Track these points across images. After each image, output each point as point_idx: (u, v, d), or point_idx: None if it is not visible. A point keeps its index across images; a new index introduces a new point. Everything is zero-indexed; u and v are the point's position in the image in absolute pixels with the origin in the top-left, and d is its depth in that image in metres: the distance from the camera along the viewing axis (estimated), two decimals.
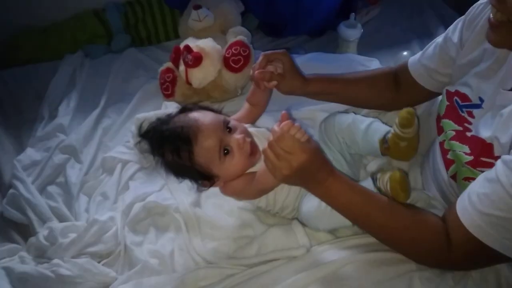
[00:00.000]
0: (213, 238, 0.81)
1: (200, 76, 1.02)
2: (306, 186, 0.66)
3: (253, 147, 0.74)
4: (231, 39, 1.04)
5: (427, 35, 1.32)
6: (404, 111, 0.68)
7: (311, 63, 1.09)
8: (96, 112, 1.12)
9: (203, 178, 0.74)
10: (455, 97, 0.70)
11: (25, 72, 1.30)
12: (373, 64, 1.06)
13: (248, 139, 0.73)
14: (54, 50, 1.34)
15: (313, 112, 1.03)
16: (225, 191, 0.77)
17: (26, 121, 1.17)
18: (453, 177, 0.70)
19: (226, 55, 1.02)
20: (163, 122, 0.76)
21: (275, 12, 1.31)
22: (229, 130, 0.73)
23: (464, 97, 0.69)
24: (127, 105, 1.14)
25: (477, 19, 0.69)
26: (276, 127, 0.61)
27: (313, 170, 0.62)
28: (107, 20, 1.36)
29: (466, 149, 0.65)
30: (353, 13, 1.23)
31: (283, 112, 0.63)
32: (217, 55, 1.01)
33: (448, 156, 0.71)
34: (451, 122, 0.70)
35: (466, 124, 0.67)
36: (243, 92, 1.15)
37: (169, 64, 1.09)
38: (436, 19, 1.39)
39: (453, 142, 0.68)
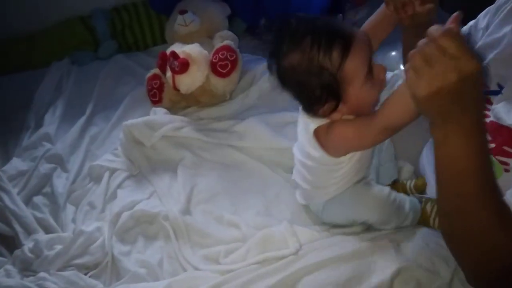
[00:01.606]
0: (203, 245, 0.80)
1: (188, 82, 1.01)
2: (446, 117, 0.47)
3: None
4: (218, 44, 1.04)
5: None
6: (420, 180, 0.82)
7: None
8: (82, 120, 1.11)
9: (331, 95, 0.62)
10: None
11: (12, 80, 1.29)
12: None
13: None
14: (41, 57, 1.32)
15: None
16: (339, 131, 0.65)
17: (12, 130, 1.15)
18: None
19: (213, 60, 1.01)
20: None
21: (262, 15, 1.30)
22: None
23: None
24: (114, 112, 1.12)
25: (505, 5, 0.66)
26: (434, 27, 0.46)
27: (473, 94, 0.46)
28: (93, 26, 1.35)
29: (488, 137, 0.59)
30: (341, 15, 1.23)
31: (455, 13, 0.49)
32: (204, 61, 1.01)
33: None
34: None
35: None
36: (233, 96, 1.14)
37: (155, 71, 1.08)
38: None
39: None
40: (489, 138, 0.58)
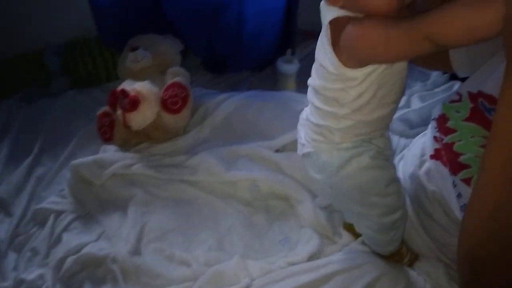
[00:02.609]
0: (152, 286, 0.79)
1: (138, 119, 1.01)
2: None
3: None
4: (169, 81, 1.05)
5: None
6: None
7: (249, 100, 1.12)
8: (28, 160, 1.08)
9: None
10: (481, 99, 0.65)
11: None
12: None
13: None
14: None
15: (254, 149, 1.05)
16: (361, 25, 0.50)
17: None
18: (465, 180, 0.65)
19: (164, 97, 1.02)
20: None
21: (215, 51, 1.34)
22: None
23: (492, 99, 0.62)
24: (63, 151, 1.10)
25: None
26: None
27: None
28: (45, 62, 1.33)
29: None
30: (289, 49, 1.27)
31: None
32: (154, 98, 1.01)
33: (461, 160, 0.66)
34: (480, 127, 0.64)
35: None
36: (186, 130, 1.15)
37: (106, 108, 1.07)
38: None
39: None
40: None
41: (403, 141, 1.02)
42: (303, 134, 0.67)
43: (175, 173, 1.01)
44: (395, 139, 1.02)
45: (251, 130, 1.10)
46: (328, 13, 0.54)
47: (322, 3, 0.55)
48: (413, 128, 1.10)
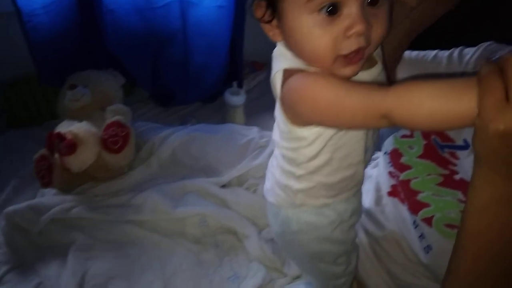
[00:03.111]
0: None
1: (77, 162, 0.98)
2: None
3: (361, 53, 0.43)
4: (109, 119, 1.03)
5: None
6: None
7: (194, 135, 1.12)
8: None
9: None
10: (433, 136, 0.65)
11: None
12: (252, 132, 1.11)
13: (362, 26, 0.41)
14: None
15: (201, 185, 1.04)
16: (313, 79, 0.44)
17: None
18: (426, 220, 0.64)
19: (104, 137, 1.00)
20: None
21: (162, 83, 1.33)
22: (371, 1, 0.43)
23: (444, 136, 0.62)
24: None
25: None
26: None
27: None
28: None
29: (460, 195, 0.58)
30: (235, 81, 1.29)
31: None
32: (93, 139, 0.99)
33: (419, 198, 0.65)
34: (433, 164, 0.63)
35: (451, 167, 0.61)
36: (133, 167, 1.12)
37: (43, 151, 1.03)
38: None
39: (442, 188, 0.62)
40: (463, 197, 0.54)
41: None
42: (269, 183, 0.62)
43: (119, 213, 0.98)
44: None
45: (198, 164, 1.10)
46: (277, 62, 0.49)
47: (275, 50, 0.50)
48: None
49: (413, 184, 0.68)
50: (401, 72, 0.73)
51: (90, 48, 1.25)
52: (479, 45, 0.74)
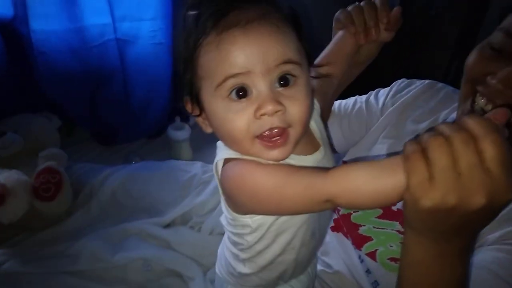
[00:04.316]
0: None
1: (8, 214, 0.92)
2: (438, 236, 0.39)
3: (284, 137, 0.44)
4: (40, 166, 0.98)
5: None
6: None
7: (134, 174, 1.09)
8: None
9: (189, 93, 0.47)
10: None
11: None
12: (194, 166, 1.10)
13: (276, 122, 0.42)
14: None
15: (142, 227, 1.01)
16: (251, 167, 0.44)
17: None
18: (370, 254, 0.64)
19: (35, 185, 0.95)
20: None
21: (103, 122, 1.30)
22: (284, 82, 0.43)
23: None
24: None
25: (400, 94, 0.73)
26: (473, 120, 0.34)
27: (485, 223, 0.39)
28: None
29: (398, 226, 0.59)
30: (178, 116, 1.29)
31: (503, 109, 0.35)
32: (23, 188, 0.94)
33: (361, 232, 0.65)
34: None
35: None
36: (72, 212, 1.07)
37: None
38: None
39: (382, 220, 0.63)
40: (401, 228, 0.56)
41: None
42: (220, 255, 0.63)
43: (55, 265, 0.92)
44: None
45: (139, 204, 1.07)
46: (220, 151, 0.50)
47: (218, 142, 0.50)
48: None
49: (354, 218, 0.69)
50: (332, 126, 0.80)
51: (24, 90, 1.20)
52: (392, 84, 0.80)
